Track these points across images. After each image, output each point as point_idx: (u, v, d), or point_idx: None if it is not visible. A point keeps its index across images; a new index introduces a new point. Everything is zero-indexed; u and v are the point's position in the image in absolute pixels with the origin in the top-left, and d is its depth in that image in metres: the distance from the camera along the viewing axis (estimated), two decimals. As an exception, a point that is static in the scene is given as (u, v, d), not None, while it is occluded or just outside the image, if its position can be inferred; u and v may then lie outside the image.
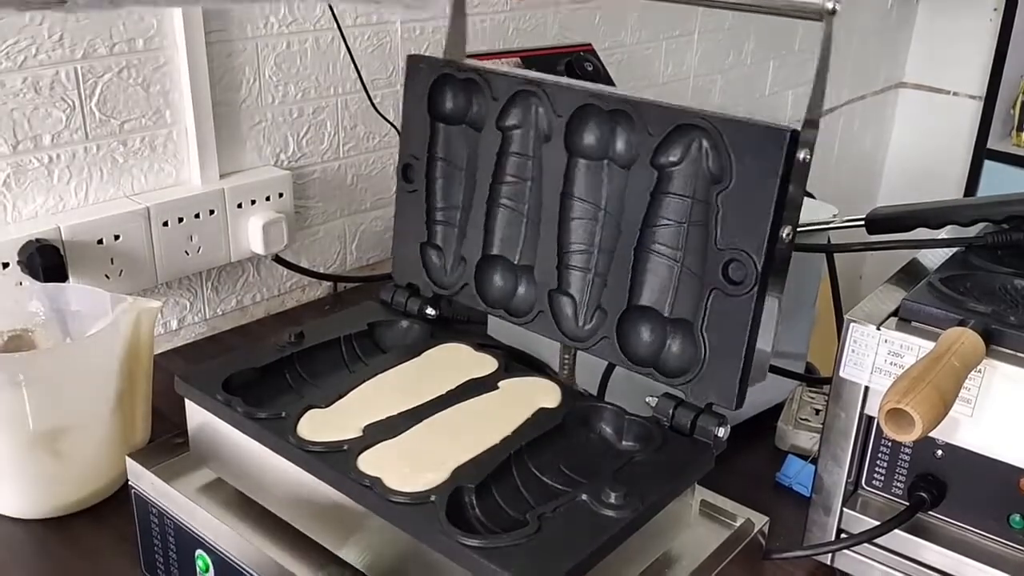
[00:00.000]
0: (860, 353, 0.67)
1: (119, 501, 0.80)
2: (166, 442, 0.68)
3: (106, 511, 0.79)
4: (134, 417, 0.83)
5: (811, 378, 0.95)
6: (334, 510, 0.55)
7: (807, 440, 0.89)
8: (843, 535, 0.72)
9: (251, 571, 0.59)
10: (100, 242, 0.92)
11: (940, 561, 0.68)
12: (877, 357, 0.67)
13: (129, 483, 0.67)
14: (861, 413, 0.69)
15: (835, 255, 0.95)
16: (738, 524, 0.65)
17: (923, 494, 0.68)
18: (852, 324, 0.67)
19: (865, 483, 0.72)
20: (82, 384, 0.76)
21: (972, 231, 0.76)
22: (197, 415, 0.64)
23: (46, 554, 0.74)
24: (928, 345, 0.63)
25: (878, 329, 0.66)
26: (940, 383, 0.55)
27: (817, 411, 0.92)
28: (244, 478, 0.62)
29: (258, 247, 1.04)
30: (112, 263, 0.93)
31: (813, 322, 0.96)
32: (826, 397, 0.94)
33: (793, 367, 0.92)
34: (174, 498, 0.64)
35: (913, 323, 0.66)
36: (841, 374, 0.68)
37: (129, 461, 0.67)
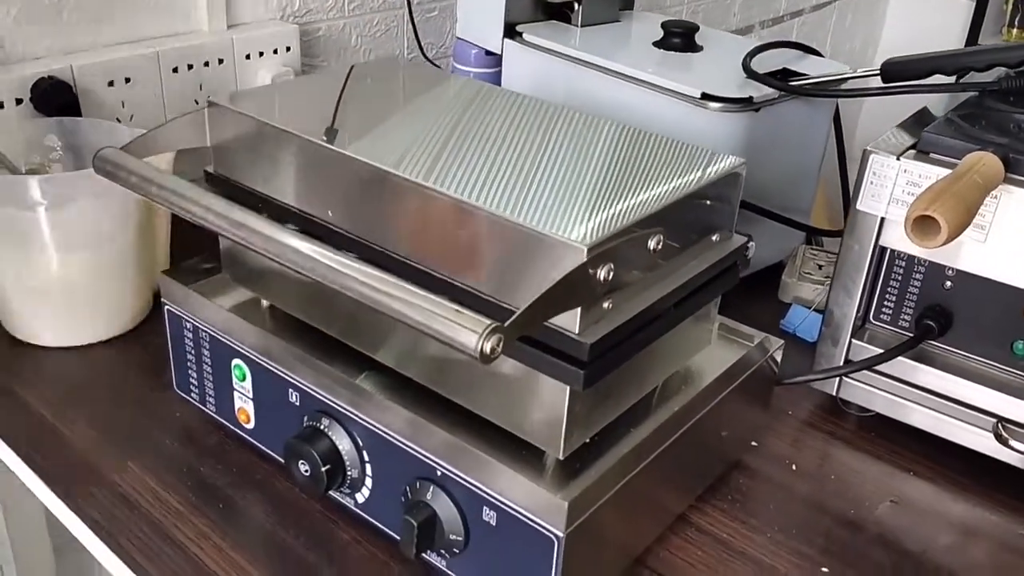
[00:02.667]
0: (878, 184, 0.69)
1: (142, 332, 0.82)
2: (193, 266, 0.69)
3: (131, 340, 0.81)
4: (155, 250, 0.84)
5: (820, 231, 0.97)
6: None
7: (810, 292, 0.91)
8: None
9: (289, 375, 0.61)
10: (111, 84, 0.91)
11: (943, 386, 0.71)
12: (896, 188, 0.68)
13: (162, 301, 0.68)
14: (875, 245, 0.71)
15: (840, 116, 0.96)
16: (754, 343, 0.67)
17: (930, 323, 0.71)
18: (872, 155, 0.69)
19: (873, 317, 0.75)
20: (104, 211, 0.76)
21: (987, 76, 0.78)
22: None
23: (76, 380, 0.76)
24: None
25: (898, 159, 0.68)
26: (964, 194, 0.57)
27: (820, 266, 0.95)
28: (278, 288, 0.63)
29: (267, 100, 1.04)
30: (123, 107, 0.93)
31: (818, 180, 0.98)
32: (827, 253, 0.97)
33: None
34: (210, 310, 0.65)
35: (932, 155, 0.68)
36: (859, 206, 0.70)
37: (163, 278, 0.68)
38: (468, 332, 0.42)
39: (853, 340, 0.74)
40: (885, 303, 0.74)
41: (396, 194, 0.53)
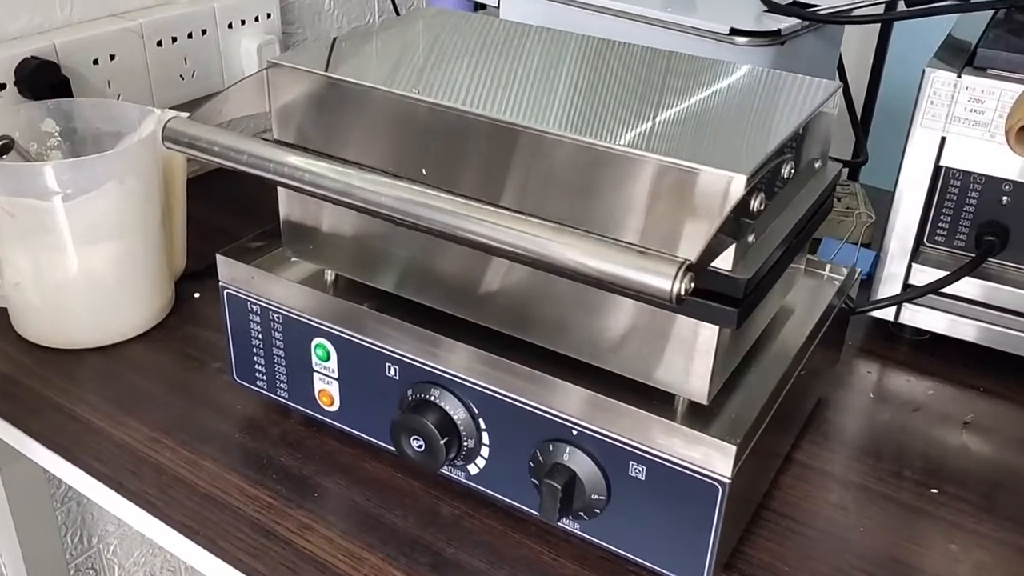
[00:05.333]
0: (938, 104, 0.69)
1: (170, 325, 0.77)
2: (242, 247, 0.65)
3: (162, 334, 0.76)
4: (173, 239, 0.78)
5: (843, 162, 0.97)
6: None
7: (834, 224, 0.92)
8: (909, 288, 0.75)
9: (386, 348, 0.57)
10: (96, 62, 0.84)
11: (1005, 300, 0.72)
12: (956, 106, 0.68)
13: (220, 283, 0.63)
14: (935, 165, 0.71)
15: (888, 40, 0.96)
16: (834, 274, 0.66)
17: (992, 238, 0.71)
18: (932, 73, 0.69)
19: (927, 240, 0.75)
20: (128, 198, 0.71)
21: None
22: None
23: (120, 381, 0.70)
24: (1012, 88, 0.66)
25: (959, 76, 0.68)
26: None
27: (838, 199, 0.95)
28: (354, 259, 0.59)
29: (253, 71, 0.98)
30: (109, 86, 0.86)
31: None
32: (841, 185, 0.98)
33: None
34: (283, 289, 0.61)
35: (989, 70, 0.68)
36: (920, 126, 0.70)
37: (221, 258, 0.63)
38: (659, 276, 0.40)
39: (913, 264, 0.75)
40: (940, 224, 0.74)
41: (511, 145, 0.50)
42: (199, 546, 0.57)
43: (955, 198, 0.73)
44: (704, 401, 0.50)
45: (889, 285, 0.76)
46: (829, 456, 0.65)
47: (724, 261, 0.47)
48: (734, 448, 0.48)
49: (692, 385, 0.50)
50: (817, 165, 0.58)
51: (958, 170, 0.72)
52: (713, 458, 0.48)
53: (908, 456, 0.65)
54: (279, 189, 0.60)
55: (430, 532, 0.58)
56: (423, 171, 0.53)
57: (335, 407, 0.62)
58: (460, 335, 0.55)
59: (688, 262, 0.40)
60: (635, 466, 0.51)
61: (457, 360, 0.55)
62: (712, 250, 0.43)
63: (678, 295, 0.40)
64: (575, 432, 0.52)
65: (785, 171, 0.50)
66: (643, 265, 0.40)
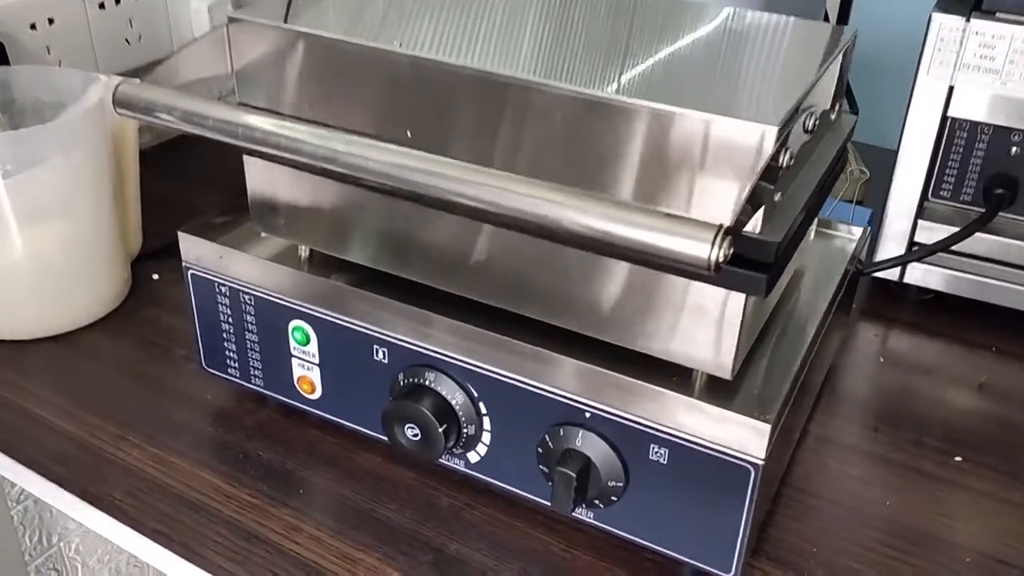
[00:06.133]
0: (945, 51, 0.65)
1: (128, 311, 0.71)
2: (205, 223, 0.59)
3: (119, 321, 0.70)
4: (127, 217, 0.72)
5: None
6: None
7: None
8: (915, 247, 0.72)
9: (373, 330, 0.52)
10: (33, 27, 0.77)
11: (1016, 255, 0.69)
12: (965, 52, 0.65)
13: (184, 263, 0.58)
14: (943, 115, 0.67)
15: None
16: (844, 233, 0.63)
17: (1002, 191, 0.68)
18: (939, 18, 0.65)
19: (931, 195, 0.72)
20: (77, 173, 0.64)
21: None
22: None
23: (76, 374, 0.64)
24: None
25: (967, 21, 0.64)
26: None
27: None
28: (326, 229, 0.53)
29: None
30: (49, 52, 0.79)
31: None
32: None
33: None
34: (255, 267, 0.55)
35: (998, 14, 0.65)
36: (927, 75, 0.66)
37: (183, 236, 0.57)
38: (695, 242, 0.35)
39: (919, 220, 0.71)
40: (946, 177, 0.71)
41: (508, 103, 0.44)
42: (174, 554, 0.51)
43: (961, 150, 0.69)
44: (728, 376, 0.46)
45: (892, 243, 0.72)
46: (845, 426, 0.62)
47: (752, 223, 0.42)
48: (768, 427, 0.44)
49: (715, 359, 0.46)
50: (832, 117, 0.53)
51: (965, 120, 0.68)
52: (745, 438, 0.44)
53: (926, 423, 0.62)
54: (245, 159, 0.55)
55: (429, 526, 0.53)
56: (408, 133, 0.48)
57: (317, 395, 0.57)
58: (455, 312, 0.50)
59: (726, 225, 0.36)
60: (656, 449, 0.47)
61: (453, 340, 0.50)
62: (747, 211, 0.39)
63: (717, 262, 0.35)
64: (588, 415, 0.48)
65: (809, 123, 0.46)
66: (677, 231, 0.36)
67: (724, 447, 0.45)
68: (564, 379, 0.48)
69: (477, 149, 0.46)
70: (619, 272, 0.46)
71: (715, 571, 0.49)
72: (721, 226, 0.35)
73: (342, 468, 0.57)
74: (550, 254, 0.47)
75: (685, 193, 0.42)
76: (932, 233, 0.71)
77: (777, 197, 0.44)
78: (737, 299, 0.44)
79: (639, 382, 0.46)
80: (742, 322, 0.45)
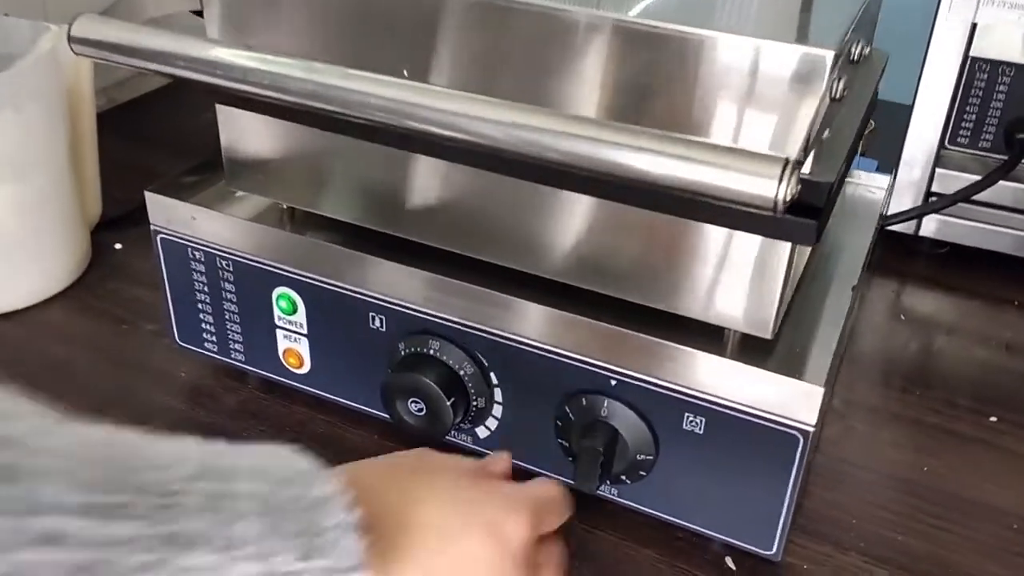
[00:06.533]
0: (969, -13, 0.61)
1: (90, 283, 0.65)
2: (172, 183, 0.53)
3: (79, 295, 0.64)
4: (85, 180, 0.66)
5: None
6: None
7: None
8: (933, 198, 0.68)
9: (371, 295, 0.47)
10: (-28, -27, 0.70)
11: (1039, 204, 0.66)
12: (990, -14, 0.61)
13: (152, 227, 0.52)
14: (965, 56, 0.63)
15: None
16: (865, 182, 0.58)
17: (1026, 136, 0.64)
18: (964, -49, 0.60)
19: (948, 142, 0.68)
20: (29, 129, 0.58)
21: None
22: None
23: (37, 354, 0.58)
24: (1057, -41, 0.58)
25: (994, -48, 0.60)
26: None
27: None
28: (311, 184, 0.48)
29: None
30: (-10, 3, 0.72)
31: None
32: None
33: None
34: (233, 229, 0.50)
35: (1025, -56, 0.61)
36: (948, 11, 0.62)
37: (150, 197, 0.51)
38: (760, 179, 0.31)
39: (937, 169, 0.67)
40: (963, 123, 0.67)
41: (530, 31, 0.39)
42: (154, 549, 0.46)
43: (981, 93, 0.65)
44: (768, 335, 0.42)
45: (907, 194, 0.68)
46: (871, 388, 0.58)
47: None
48: (822, 391, 0.39)
49: (754, 317, 0.41)
50: (867, 51, 0.49)
51: (986, 60, 0.64)
52: (795, 403, 0.40)
53: (956, 383, 0.58)
54: (219, 108, 0.49)
55: (434, 510, 0.48)
56: (405, 72, 0.43)
57: (305, 369, 0.52)
58: (460, 272, 0.45)
59: (792, 160, 0.31)
60: (691, 418, 0.42)
61: (459, 303, 0.45)
62: (808, 145, 0.34)
63: (784, 201, 0.31)
64: (614, 382, 0.43)
65: (856, 50, 0.41)
66: (739, 166, 0.31)
67: (771, 413, 0.41)
68: (586, 344, 0.43)
69: (488, 85, 0.41)
70: (646, 223, 0.41)
71: (754, 549, 0.45)
72: (787, 159, 0.31)
73: (336, 448, 0.52)
74: (567, 204, 0.42)
75: (731, 128, 0.37)
76: (948, 182, 0.67)
77: (825, 134, 0.39)
78: (781, 249, 0.40)
79: (673, 344, 0.41)
80: (786, 275, 0.40)
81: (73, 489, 0.23)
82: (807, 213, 0.38)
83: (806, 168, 0.38)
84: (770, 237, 0.39)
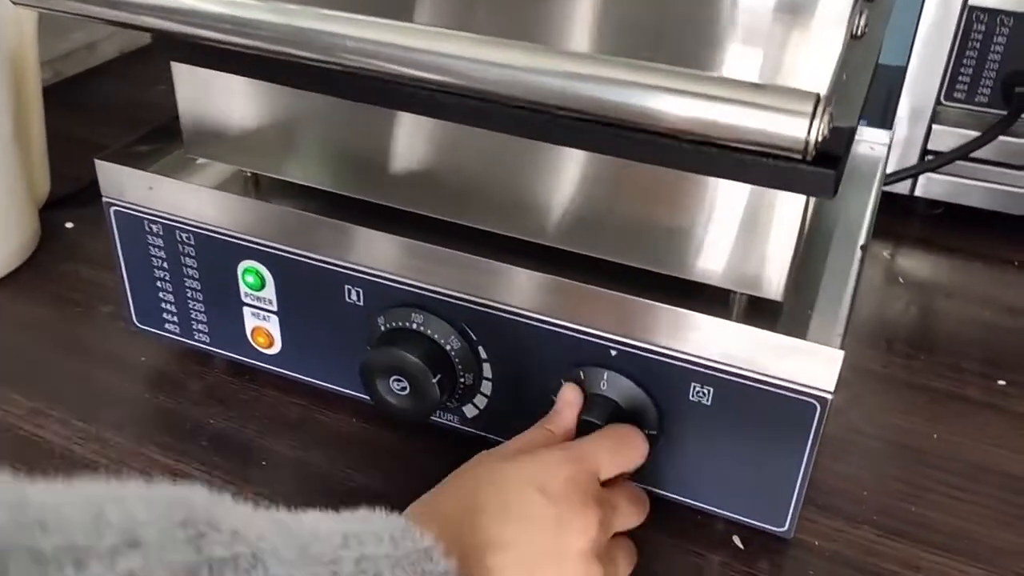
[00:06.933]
0: (967, -71, 0.58)
1: (38, 264, 0.60)
2: (126, 151, 0.49)
3: (27, 278, 0.59)
4: (31, 156, 0.61)
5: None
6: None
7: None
8: (929, 156, 0.65)
9: (346, 266, 0.43)
10: (-101, -66, 0.65)
11: (1038, 161, 0.63)
12: (989, -71, 0.58)
13: (104, 199, 0.48)
14: (964, 5, 0.60)
15: None
16: (885, 143, 0.56)
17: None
18: None
19: (944, 98, 0.65)
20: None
21: None
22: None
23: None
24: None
25: None
26: None
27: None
28: (278, 149, 0.44)
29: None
30: (-78, -33, 0.67)
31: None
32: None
33: None
34: (193, 196, 0.46)
35: None
36: (946, -44, 0.59)
37: (102, 166, 0.47)
38: (787, 117, 0.27)
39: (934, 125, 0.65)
40: (960, 77, 0.64)
41: None
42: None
43: (979, 45, 0.63)
44: (778, 297, 0.38)
45: (901, 152, 0.66)
46: (874, 354, 0.55)
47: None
48: (841, 354, 0.36)
49: (763, 278, 0.38)
50: (872, -6, 0.46)
51: (984, 9, 0.61)
52: (811, 369, 0.37)
53: (961, 346, 0.56)
54: (175, 68, 0.45)
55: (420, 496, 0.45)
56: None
57: (275, 349, 0.48)
58: (443, 239, 0.42)
59: (822, 95, 0.28)
60: (698, 388, 0.39)
61: (444, 271, 0.42)
62: (836, 85, 0.31)
63: (816, 143, 0.27)
64: (614, 352, 0.40)
65: (871, -16, 0.38)
66: (765, 102, 0.27)
67: (785, 380, 0.38)
68: (582, 311, 0.40)
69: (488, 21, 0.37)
70: (646, 180, 0.38)
71: (765, 526, 0.42)
72: (819, 95, 0.27)
73: (311, 433, 0.48)
74: (559, 161, 0.38)
75: (749, 68, 0.34)
76: (944, 140, 0.64)
77: (844, 75, 0.36)
78: (794, 203, 0.36)
79: (677, 309, 0.38)
80: (800, 231, 0.37)
81: (286, 565, 0.26)
82: (824, 162, 0.35)
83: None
84: (785, 190, 0.36)
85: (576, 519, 0.34)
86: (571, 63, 0.29)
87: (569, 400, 0.40)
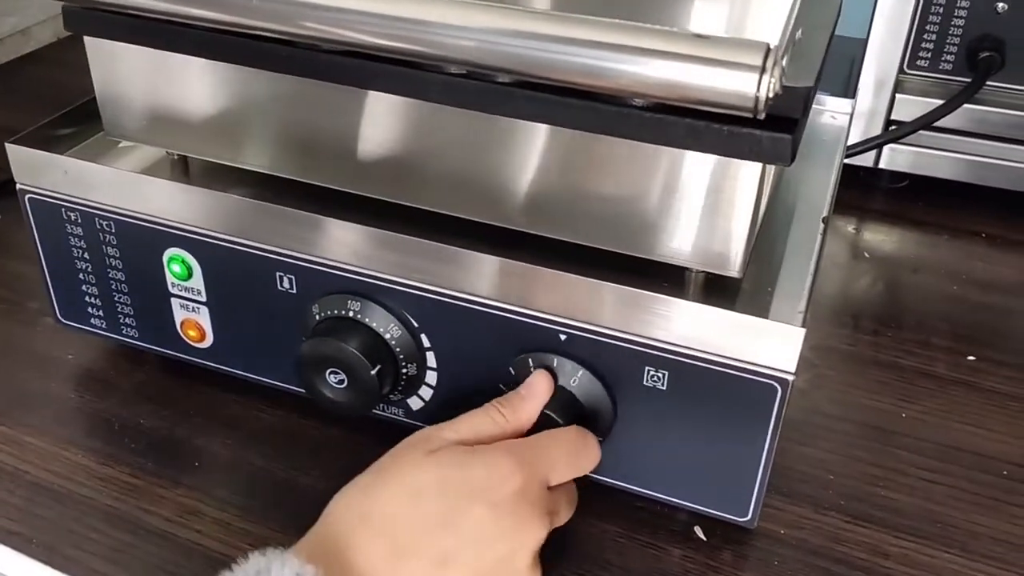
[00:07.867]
0: None
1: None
2: (40, 135, 0.45)
3: (-51, 274, 0.56)
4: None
5: None
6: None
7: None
8: (893, 126, 0.63)
9: (277, 252, 0.41)
10: None
11: (1001, 127, 0.61)
12: None
13: (18, 186, 0.44)
14: (925, -33, 0.58)
15: None
16: (847, 112, 0.53)
17: (990, 54, 0.60)
18: None
19: (907, 66, 0.63)
20: None
21: None
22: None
23: None
24: None
25: None
26: None
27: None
28: (203, 129, 0.41)
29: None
30: None
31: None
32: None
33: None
34: (112, 181, 0.42)
35: None
36: (907, -82, 0.57)
37: (13, 149, 0.44)
38: (735, 71, 0.25)
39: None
40: (923, 44, 0.62)
41: None
42: (34, 559, 0.39)
43: (942, 10, 0.61)
44: (736, 274, 0.36)
45: (865, 123, 0.64)
46: (839, 332, 0.53)
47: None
48: (802, 332, 0.34)
49: (720, 254, 0.36)
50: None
51: (946, -28, 0.59)
52: (771, 349, 0.35)
53: (929, 321, 0.54)
54: (87, 42, 0.42)
55: (365, 494, 0.42)
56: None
57: (207, 342, 0.45)
58: (380, 221, 0.39)
59: (772, 45, 0.25)
60: (652, 373, 0.37)
61: (382, 255, 0.39)
62: (789, 38, 0.28)
63: (767, 99, 0.25)
64: (563, 336, 0.37)
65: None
66: (710, 55, 0.25)
67: (743, 362, 0.35)
68: (529, 294, 0.37)
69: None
70: (591, 150, 0.35)
71: (727, 516, 0.40)
72: (768, 46, 0.25)
73: (247, 431, 0.46)
74: (497, 132, 0.36)
75: (694, 22, 0.31)
76: (907, 109, 0.62)
77: (799, 34, 0.34)
78: (750, 171, 0.34)
79: (629, 288, 0.36)
80: (756, 202, 0.35)
81: None
82: (780, 126, 0.32)
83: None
84: (739, 158, 0.33)
85: (524, 535, 0.33)
86: (501, 19, 0.27)
87: (537, 391, 0.37)
